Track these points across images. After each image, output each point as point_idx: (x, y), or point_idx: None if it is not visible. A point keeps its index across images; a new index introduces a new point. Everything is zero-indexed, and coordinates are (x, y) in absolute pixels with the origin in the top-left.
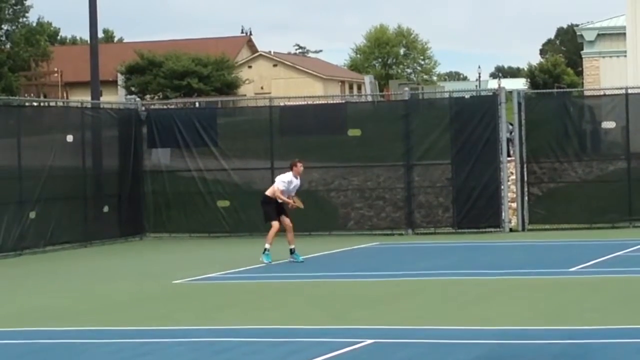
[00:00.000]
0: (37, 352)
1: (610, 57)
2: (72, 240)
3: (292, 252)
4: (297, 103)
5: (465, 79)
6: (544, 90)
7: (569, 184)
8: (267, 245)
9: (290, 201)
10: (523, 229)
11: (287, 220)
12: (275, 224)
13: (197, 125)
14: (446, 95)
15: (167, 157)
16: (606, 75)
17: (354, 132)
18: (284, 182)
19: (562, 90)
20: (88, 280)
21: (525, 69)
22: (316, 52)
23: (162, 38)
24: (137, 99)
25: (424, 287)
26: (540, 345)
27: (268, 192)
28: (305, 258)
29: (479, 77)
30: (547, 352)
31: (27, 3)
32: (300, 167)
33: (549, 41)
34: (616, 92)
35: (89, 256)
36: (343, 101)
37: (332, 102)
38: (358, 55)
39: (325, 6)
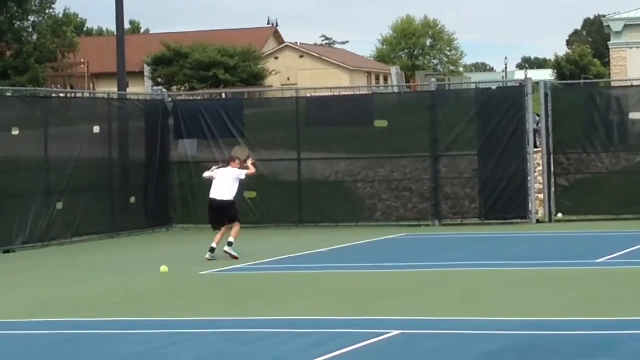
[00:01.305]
0: (64, 343)
1: (638, 47)
2: (99, 231)
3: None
4: (324, 94)
5: (491, 70)
6: (571, 82)
7: (595, 175)
8: (232, 239)
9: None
10: (550, 220)
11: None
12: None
13: (224, 116)
14: (473, 86)
15: (194, 148)
16: (633, 65)
17: (380, 124)
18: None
19: (589, 81)
20: (115, 271)
21: (552, 60)
22: (342, 43)
23: (189, 29)
24: (164, 90)
25: (451, 278)
26: (566, 337)
27: (232, 197)
28: (332, 249)
29: (506, 68)
30: (572, 343)
31: None
32: (237, 163)
33: (576, 32)
34: None
35: (115, 247)
36: (370, 92)
37: (358, 93)
38: (384, 47)
39: None
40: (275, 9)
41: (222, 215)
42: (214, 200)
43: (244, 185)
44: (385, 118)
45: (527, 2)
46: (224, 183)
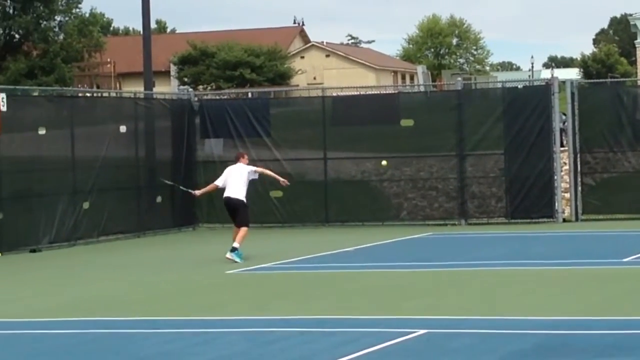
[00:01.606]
0: (91, 342)
1: None
2: (126, 230)
3: (235, 250)
4: (350, 93)
5: (518, 69)
6: (597, 80)
7: (622, 174)
8: (236, 245)
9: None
10: (576, 219)
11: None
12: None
13: (250, 115)
14: (499, 85)
15: (220, 147)
16: None
17: (406, 123)
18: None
19: (615, 80)
20: (141, 270)
21: (578, 59)
22: (368, 42)
23: (215, 28)
24: (190, 90)
25: (477, 278)
26: (593, 336)
27: (243, 196)
28: (358, 248)
29: (532, 67)
30: (599, 342)
31: None
32: (246, 158)
33: (602, 31)
34: None
35: (142, 246)
36: (396, 91)
37: (384, 92)
38: (410, 46)
39: None
40: (301, 8)
41: (234, 213)
42: (228, 199)
43: (270, 184)
44: (412, 117)
45: (553, 1)
46: (234, 180)
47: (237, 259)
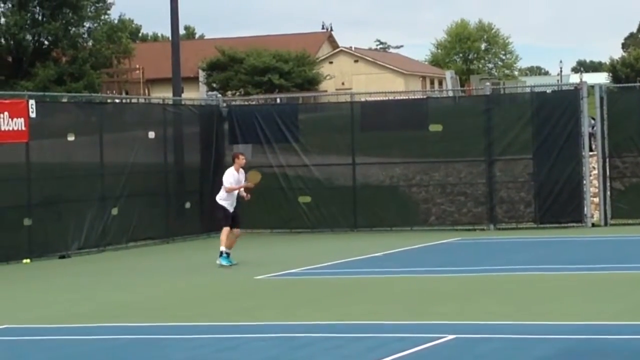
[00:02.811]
0: (119, 348)
1: None
2: (154, 236)
3: (224, 254)
4: (378, 98)
5: (546, 73)
6: (626, 85)
7: None
8: (223, 248)
9: (243, 194)
10: (605, 224)
11: (237, 231)
12: (226, 228)
13: (279, 121)
14: (528, 90)
15: (249, 153)
16: None
17: (435, 128)
18: (228, 180)
19: None
20: (169, 276)
21: (607, 63)
22: (397, 47)
23: (243, 34)
24: (219, 95)
25: (505, 283)
26: (622, 341)
27: (218, 198)
28: (386, 254)
29: (561, 71)
30: (628, 347)
31: (109, 1)
32: (242, 159)
33: (631, 35)
34: None
35: (170, 252)
36: (424, 96)
37: (413, 97)
38: (439, 51)
39: (405, 1)
40: (329, 13)
41: None
42: None
43: (298, 189)
44: (440, 122)
45: (582, 5)
46: None
47: (224, 262)
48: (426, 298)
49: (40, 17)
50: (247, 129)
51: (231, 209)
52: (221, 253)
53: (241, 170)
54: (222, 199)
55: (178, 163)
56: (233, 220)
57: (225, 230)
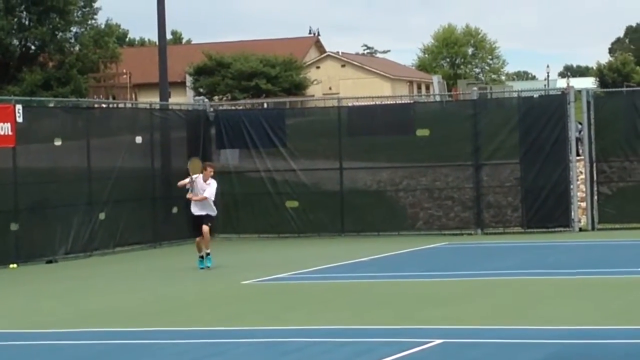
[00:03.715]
0: (105, 353)
1: None
2: (142, 241)
3: (206, 255)
4: (365, 103)
5: (533, 78)
6: (613, 89)
7: (638, 183)
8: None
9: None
10: (593, 229)
11: (205, 228)
12: (198, 239)
13: (266, 126)
14: (515, 94)
15: (236, 158)
16: None
17: (422, 132)
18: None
19: (631, 89)
20: (157, 281)
21: (594, 68)
22: (384, 52)
23: (230, 39)
24: (206, 100)
25: (493, 287)
26: (610, 345)
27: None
28: (373, 258)
29: (548, 76)
30: (616, 351)
31: (96, 5)
32: (209, 171)
33: (618, 40)
34: None
35: (158, 257)
36: (411, 101)
37: (400, 102)
38: (426, 55)
39: (392, 6)
40: (316, 18)
41: None
42: None
43: (286, 194)
44: (427, 127)
45: (569, 10)
46: None
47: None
48: (413, 303)
49: (27, 22)
50: (234, 133)
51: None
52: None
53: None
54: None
55: (165, 168)
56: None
57: (197, 239)
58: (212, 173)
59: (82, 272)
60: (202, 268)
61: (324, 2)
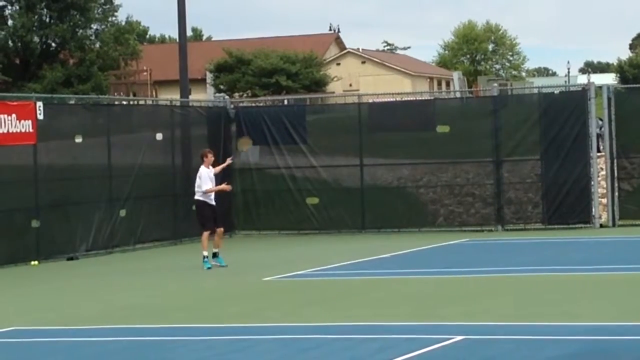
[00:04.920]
0: (127, 350)
1: None
2: (162, 238)
3: (215, 255)
4: (386, 100)
5: (554, 74)
6: (634, 85)
7: None
8: (204, 253)
9: (220, 187)
10: (613, 225)
11: (220, 228)
12: (206, 233)
13: (286, 122)
14: (535, 91)
15: (256, 154)
16: None
17: (442, 129)
18: (200, 179)
19: None
20: (178, 277)
21: (615, 64)
22: (404, 48)
23: (251, 36)
24: (226, 97)
25: (514, 284)
26: (629, 342)
27: (198, 197)
28: (394, 255)
29: (568, 72)
30: (636, 348)
31: (116, 2)
32: (210, 157)
33: (639, 35)
34: None
35: (178, 254)
36: (432, 98)
37: (420, 98)
38: (446, 52)
39: (412, 3)
40: (337, 15)
41: None
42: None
43: (306, 191)
44: (448, 123)
45: (589, 6)
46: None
47: (206, 266)
48: (435, 299)
49: (47, 19)
50: (255, 130)
51: (210, 210)
52: (204, 258)
53: (210, 166)
54: (202, 199)
55: (185, 165)
56: (214, 220)
57: (205, 234)
58: (212, 159)
59: (103, 269)
60: (209, 268)
61: None
